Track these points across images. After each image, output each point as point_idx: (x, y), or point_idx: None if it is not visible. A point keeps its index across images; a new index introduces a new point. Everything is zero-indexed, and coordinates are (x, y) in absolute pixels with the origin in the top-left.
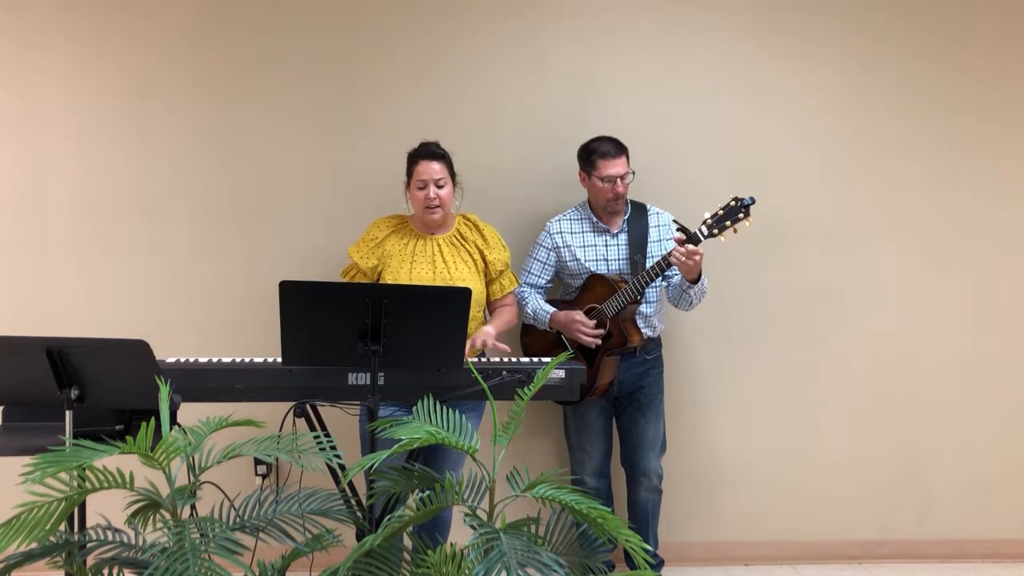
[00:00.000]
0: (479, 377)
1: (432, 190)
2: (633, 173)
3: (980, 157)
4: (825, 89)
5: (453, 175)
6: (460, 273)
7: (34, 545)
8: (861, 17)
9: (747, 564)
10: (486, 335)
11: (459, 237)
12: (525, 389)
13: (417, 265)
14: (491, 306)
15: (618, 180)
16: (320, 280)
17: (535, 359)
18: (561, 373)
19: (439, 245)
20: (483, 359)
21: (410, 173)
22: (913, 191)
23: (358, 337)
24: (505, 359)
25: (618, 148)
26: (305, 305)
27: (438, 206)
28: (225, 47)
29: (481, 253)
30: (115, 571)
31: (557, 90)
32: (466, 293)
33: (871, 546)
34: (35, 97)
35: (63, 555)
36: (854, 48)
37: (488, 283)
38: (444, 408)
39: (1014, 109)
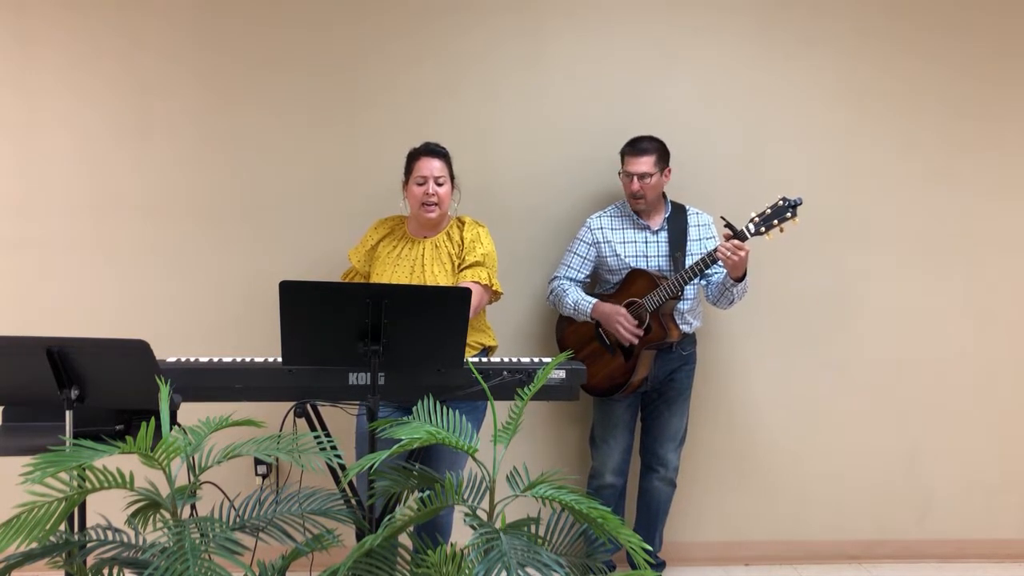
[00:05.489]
0: (479, 377)
1: (431, 186)
2: (663, 176)
3: (981, 156)
4: (825, 89)
5: (452, 176)
6: (435, 276)
7: (34, 545)
8: (861, 17)
9: (747, 564)
10: None
11: (446, 239)
12: (525, 389)
13: (398, 268)
14: None
15: (635, 178)
16: (320, 280)
17: (535, 359)
18: (561, 373)
19: (424, 248)
20: (484, 359)
21: (409, 170)
22: (914, 191)
23: (358, 337)
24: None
25: (643, 148)
26: (305, 305)
27: (435, 203)
28: (226, 46)
29: (460, 253)
30: (115, 571)
31: (556, 89)
32: (466, 293)
33: (871, 546)
34: (36, 96)
35: (63, 555)
36: (855, 48)
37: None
38: (444, 408)
39: (1015, 108)
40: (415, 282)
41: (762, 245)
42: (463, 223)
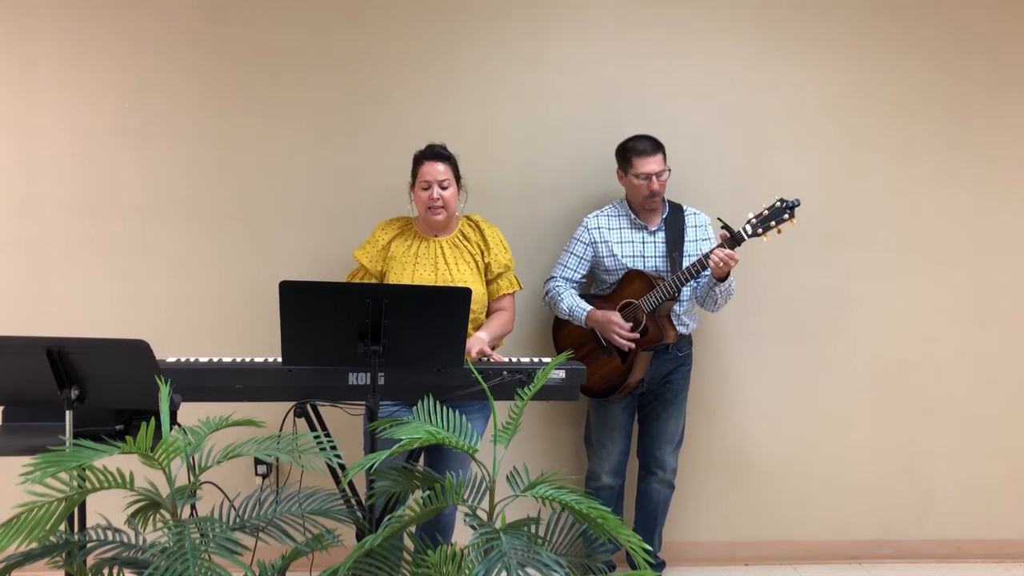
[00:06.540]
0: (479, 377)
1: (436, 191)
2: (669, 171)
3: (980, 157)
4: (825, 89)
5: (458, 177)
6: (461, 274)
7: (34, 545)
8: (862, 17)
9: (747, 564)
10: (479, 343)
11: (462, 238)
12: (525, 389)
13: (419, 267)
14: (488, 307)
15: (653, 177)
16: (320, 280)
17: (535, 359)
18: (561, 373)
19: (441, 247)
20: (483, 359)
21: (415, 174)
22: (913, 191)
23: (358, 337)
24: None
25: (654, 146)
26: (305, 305)
27: (442, 207)
28: (226, 46)
29: (482, 254)
30: (115, 571)
31: (556, 89)
32: (466, 293)
33: (871, 546)
34: (35, 96)
35: (63, 555)
36: (855, 48)
37: (487, 283)
38: (444, 408)
39: (1014, 109)
40: (441, 281)
41: (761, 246)
42: (475, 222)
